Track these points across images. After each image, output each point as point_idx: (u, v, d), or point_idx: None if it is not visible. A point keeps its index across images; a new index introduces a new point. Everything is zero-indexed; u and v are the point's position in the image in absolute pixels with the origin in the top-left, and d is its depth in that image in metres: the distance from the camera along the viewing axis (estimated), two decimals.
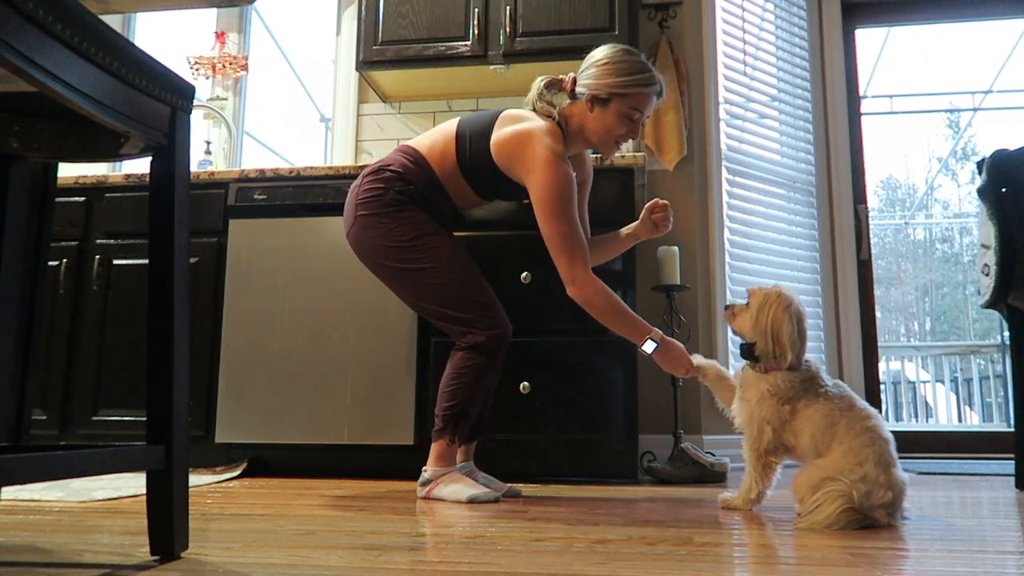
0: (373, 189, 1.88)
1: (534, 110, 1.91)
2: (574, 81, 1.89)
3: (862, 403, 1.50)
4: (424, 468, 1.83)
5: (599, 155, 2.32)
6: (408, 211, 1.87)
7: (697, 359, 1.78)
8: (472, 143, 1.88)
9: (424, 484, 1.81)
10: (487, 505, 1.70)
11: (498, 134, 1.85)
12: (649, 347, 1.78)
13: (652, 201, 2.02)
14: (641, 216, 2.05)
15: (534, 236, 2.31)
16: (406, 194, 1.87)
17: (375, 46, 2.81)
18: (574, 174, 1.83)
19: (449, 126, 1.94)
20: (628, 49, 1.86)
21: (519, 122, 1.85)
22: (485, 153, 1.86)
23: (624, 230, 2.08)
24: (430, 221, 1.89)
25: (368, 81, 3.04)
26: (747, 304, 1.62)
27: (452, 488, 1.77)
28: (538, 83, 1.91)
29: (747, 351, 1.60)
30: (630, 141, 2.89)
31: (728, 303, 1.71)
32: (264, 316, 2.37)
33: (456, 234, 2.07)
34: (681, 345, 1.81)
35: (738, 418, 1.62)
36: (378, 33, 2.81)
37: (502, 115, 1.89)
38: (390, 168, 1.90)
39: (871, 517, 1.35)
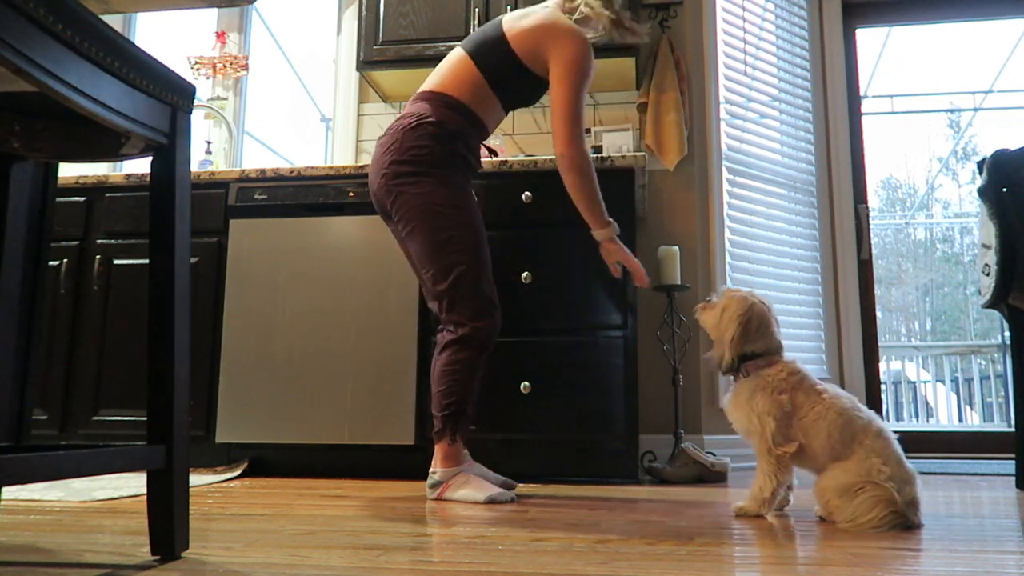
0: (419, 146, 1.81)
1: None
2: None
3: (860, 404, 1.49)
4: (432, 470, 1.82)
5: (598, 155, 2.32)
6: (451, 173, 1.82)
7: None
8: (488, 51, 1.86)
9: (434, 486, 1.80)
10: (486, 505, 1.70)
11: (515, 31, 1.86)
12: (600, 236, 1.91)
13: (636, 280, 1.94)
14: (621, 258, 1.94)
15: (535, 236, 2.32)
16: (456, 153, 1.83)
17: (376, 46, 2.81)
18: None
19: (454, 55, 1.91)
20: None
21: (529, 15, 1.88)
22: (507, 54, 1.85)
23: (608, 232, 1.93)
24: (465, 190, 1.85)
25: (369, 81, 3.04)
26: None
27: (465, 491, 1.76)
28: None
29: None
30: (630, 140, 2.89)
31: (704, 302, 1.67)
32: (265, 316, 2.37)
33: None
34: (625, 250, 1.93)
35: (737, 423, 1.55)
36: (379, 33, 2.82)
37: (504, 18, 1.90)
38: (430, 121, 1.82)
39: (908, 518, 1.34)
